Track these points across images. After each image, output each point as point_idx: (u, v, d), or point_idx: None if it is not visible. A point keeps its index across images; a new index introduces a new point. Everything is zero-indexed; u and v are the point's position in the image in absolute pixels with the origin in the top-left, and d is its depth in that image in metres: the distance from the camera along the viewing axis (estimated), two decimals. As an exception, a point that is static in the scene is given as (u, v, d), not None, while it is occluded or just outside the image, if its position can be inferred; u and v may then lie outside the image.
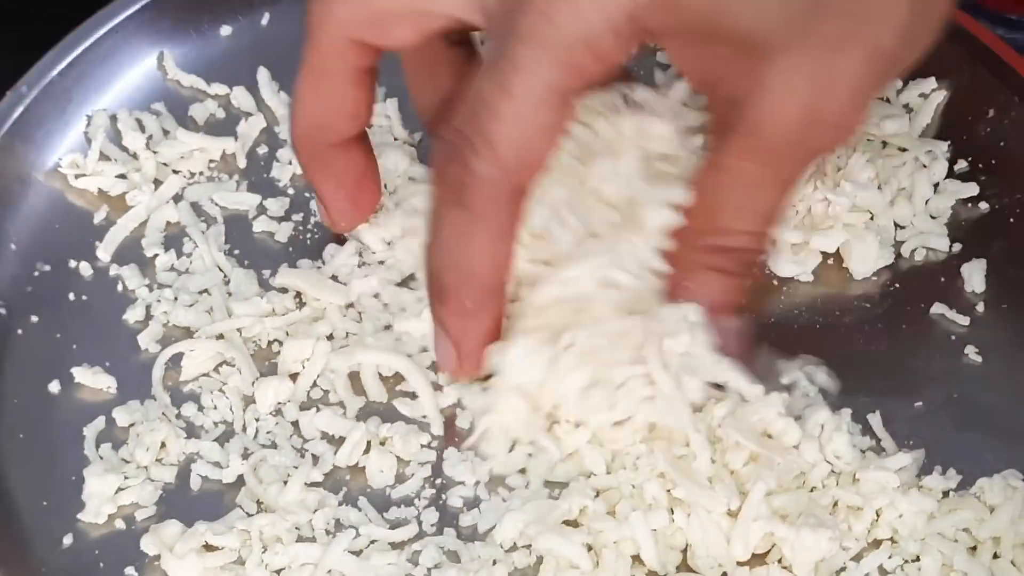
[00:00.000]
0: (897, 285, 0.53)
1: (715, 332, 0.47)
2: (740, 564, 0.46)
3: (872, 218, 0.53)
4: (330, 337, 0.51)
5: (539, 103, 0.42)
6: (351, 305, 0.52)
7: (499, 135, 0.42)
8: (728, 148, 0.45)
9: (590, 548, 0.46)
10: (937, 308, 0.52)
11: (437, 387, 0.50)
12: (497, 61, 0.42)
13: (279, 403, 0.50)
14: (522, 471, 0.48)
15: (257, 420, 0.50)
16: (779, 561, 0.46)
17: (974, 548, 0.47)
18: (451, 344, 0.47)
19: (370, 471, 0.49)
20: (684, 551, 0.47)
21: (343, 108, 0.48)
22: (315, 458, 0.49)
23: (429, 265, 0.46)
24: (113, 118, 0.57)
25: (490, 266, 0.45)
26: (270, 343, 0.52)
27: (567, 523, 0.47)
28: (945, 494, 0.48)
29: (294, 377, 0.50)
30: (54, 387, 0.51)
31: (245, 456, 0.49)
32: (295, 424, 0.50)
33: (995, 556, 0.46)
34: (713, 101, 0.47)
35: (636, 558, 0.46)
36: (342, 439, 0.49)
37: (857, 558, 0.46)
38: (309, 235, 0.55)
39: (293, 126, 0.49)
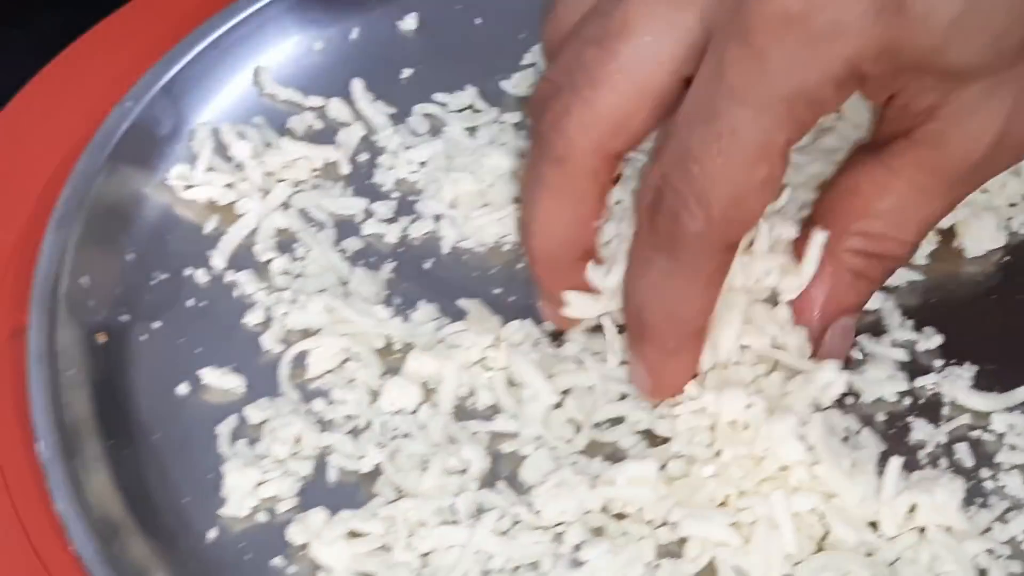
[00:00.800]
0: (1009, 258, 0.54)
1: (834, 335, 0.47)
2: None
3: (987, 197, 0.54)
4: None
5: (755, 162, 0.40)
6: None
7: (712, 195, 0.40)
8: (905, 156, 0.43)
9: (735, 524, 0.46)
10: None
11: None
12: (709, 118, 0.40)
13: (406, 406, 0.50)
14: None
15: (387, 414, 0.50)
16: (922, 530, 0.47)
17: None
18: (647, 375, 0.47)
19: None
20: (825, 531, 0.47)
21: (591, 223, 0.45)
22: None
23: (630, 301, 0.45)
24: (215, 131, 0.57)
25: (696, 312, 0.44)
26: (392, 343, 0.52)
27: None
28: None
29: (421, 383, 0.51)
30: (182, 389, 0.51)
31: (380, 446, 0.49)
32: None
33: None
34: (883, 106, 0.44)
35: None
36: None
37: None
38: (418, 237, 0.55)
39: (535, 246, 0.46)
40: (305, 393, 0.51)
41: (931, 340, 0.51)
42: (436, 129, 0.58)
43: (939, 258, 0.53)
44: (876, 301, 0.51)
